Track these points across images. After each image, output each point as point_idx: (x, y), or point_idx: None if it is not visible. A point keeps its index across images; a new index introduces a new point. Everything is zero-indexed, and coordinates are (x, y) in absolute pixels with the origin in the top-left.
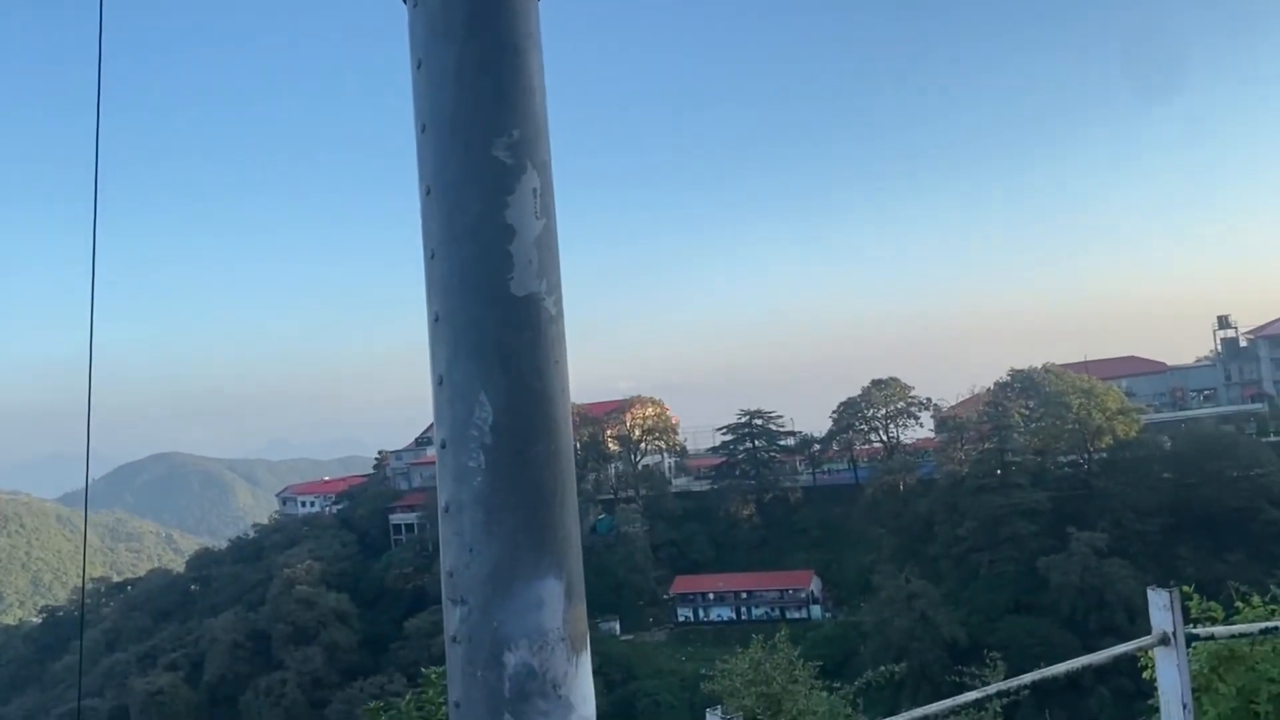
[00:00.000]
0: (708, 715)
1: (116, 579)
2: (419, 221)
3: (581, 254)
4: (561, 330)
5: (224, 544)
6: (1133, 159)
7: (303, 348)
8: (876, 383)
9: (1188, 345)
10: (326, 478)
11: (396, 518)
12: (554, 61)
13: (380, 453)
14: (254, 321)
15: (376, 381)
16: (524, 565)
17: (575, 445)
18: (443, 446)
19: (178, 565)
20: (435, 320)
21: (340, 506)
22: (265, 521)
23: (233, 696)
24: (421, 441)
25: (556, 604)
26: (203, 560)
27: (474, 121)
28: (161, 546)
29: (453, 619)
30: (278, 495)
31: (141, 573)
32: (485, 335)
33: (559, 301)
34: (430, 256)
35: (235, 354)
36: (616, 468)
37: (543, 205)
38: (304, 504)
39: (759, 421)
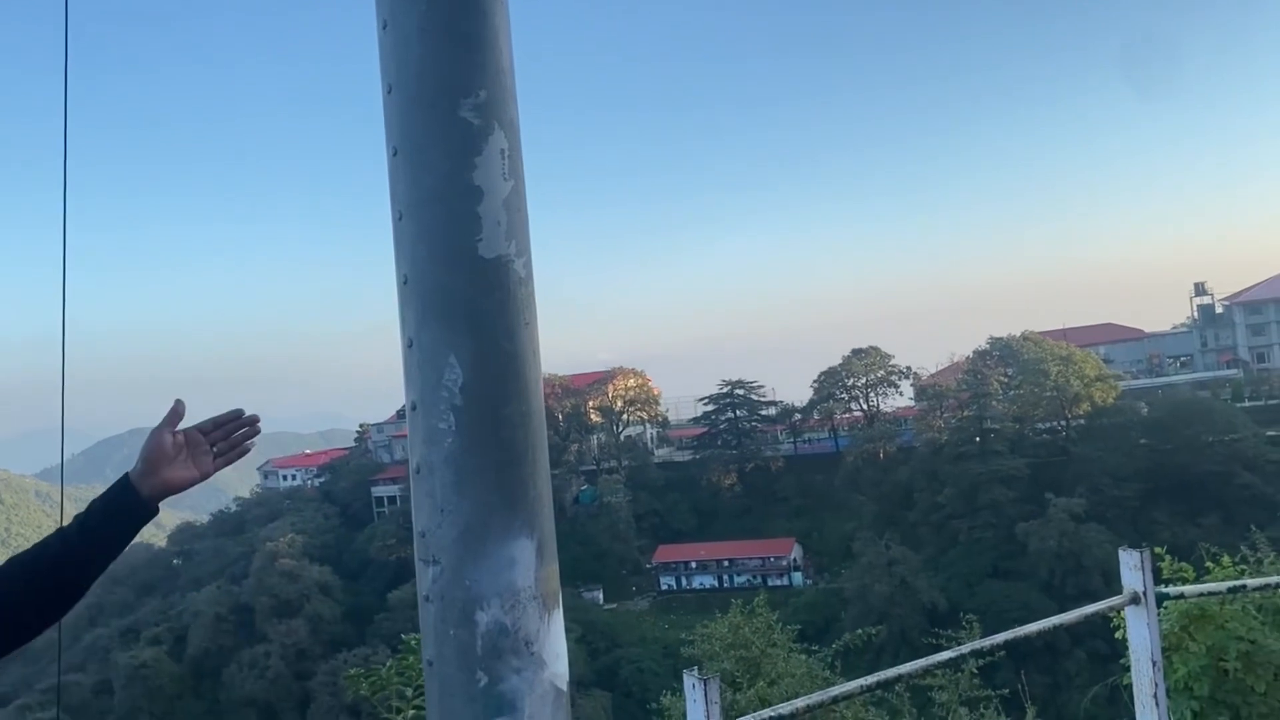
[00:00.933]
0: (685, 676)
1: None
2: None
3: (562, 224)
4: (531, 292)
5: (205, 518)
6: (1110, 128)
7: (283, 320)
8: (857, 352)
9: (1165, 312)
10: (308, 451)
11: (379, 490)
12: (526, 22)
13: (361, 425)
14: (233, 294)
15: (356, 354)
16: (496, 525)
17: (558, 416)
18: (413, 409)
19: (159, 540)
20: (404, 283)
21: (322, 480)
22: (247, 495)
23: (216, 669)
24: (402, 414)
25: (528, 563)
26: (184, 534)
27: (440, 82)
28: None
29: (425, 579)
30: (259, 469)
31: None
32: (454, 297)
33: (528, 264)
34: (398, 218)
35: (215, 327)
36: (599, 439)
37: (511, 167)
38: (285, 477)
39: (740, 392)
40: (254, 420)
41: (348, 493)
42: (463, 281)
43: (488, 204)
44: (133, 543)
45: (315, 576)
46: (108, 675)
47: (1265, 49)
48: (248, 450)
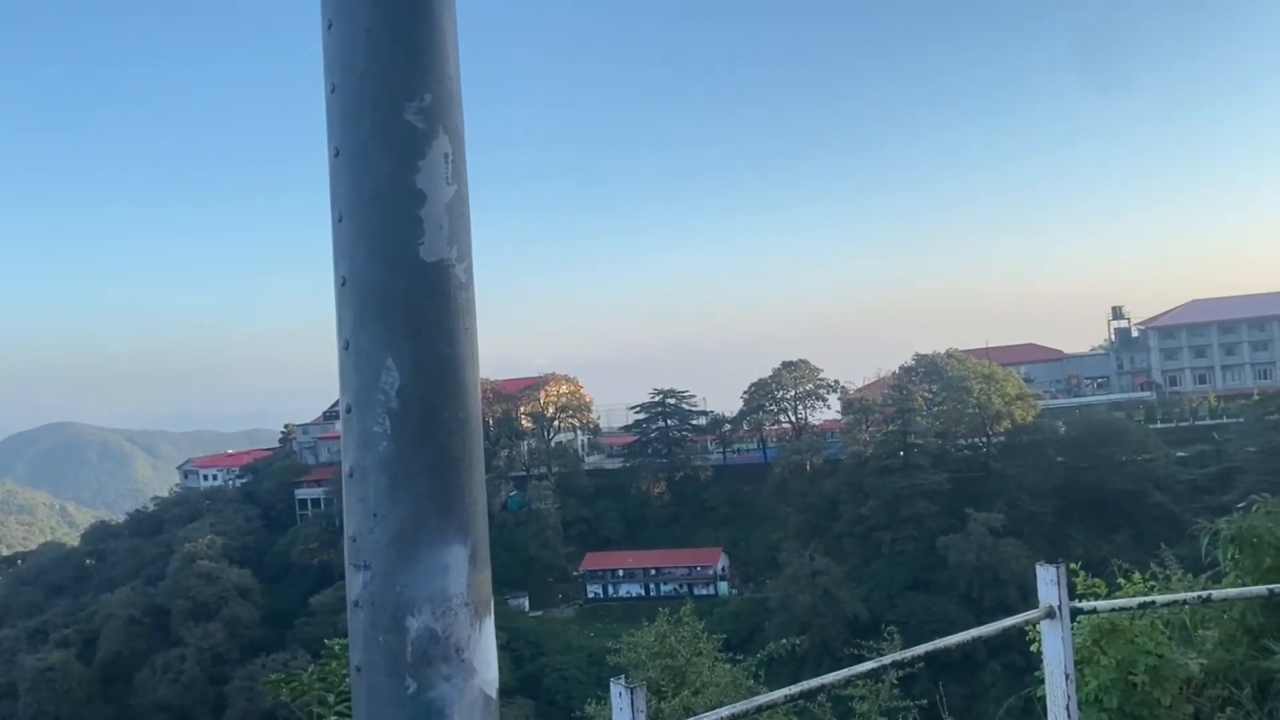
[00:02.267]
0: (611, 684)
1: (5, 552)
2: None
3: (501, 227)
4: (471, 297)
5: (122, 517)
6: (1036, 153)
7: (208, 316)
8: (787, 364)
9: (1084, 334)
10: (230, 450)
11: (303, 492)
12: (471, 21)
13: (287, 426)
14: (156, 287)
15: (284, 353)
16: (429, 530)
17: (488, 421)
18: (348, 411)
19: (72, 539)
20: (342, 284)
21: (244, 480)
22: (165, 494)
23: (128, 673)
24: (330, 415)
25: (461, 569)
26: (99, 534)
27: (385, 84)
28: (55, 519)
29: (355, 584)
30: (179, 468)
31: (33, 546)
32: (393, 300)
33: (469, 269)
34: (338, 219)
35: (137, 321)
36: (529, 445)
37: (454, 171)
38: (206, 477)
39: (672, 401)
40: None
41: (271, 494)
42: (402, 284)
43: (430, 207)
44: (44, 540)
45: (234, 579)
46: (13, 678)
47: (1194, 84)
48: None
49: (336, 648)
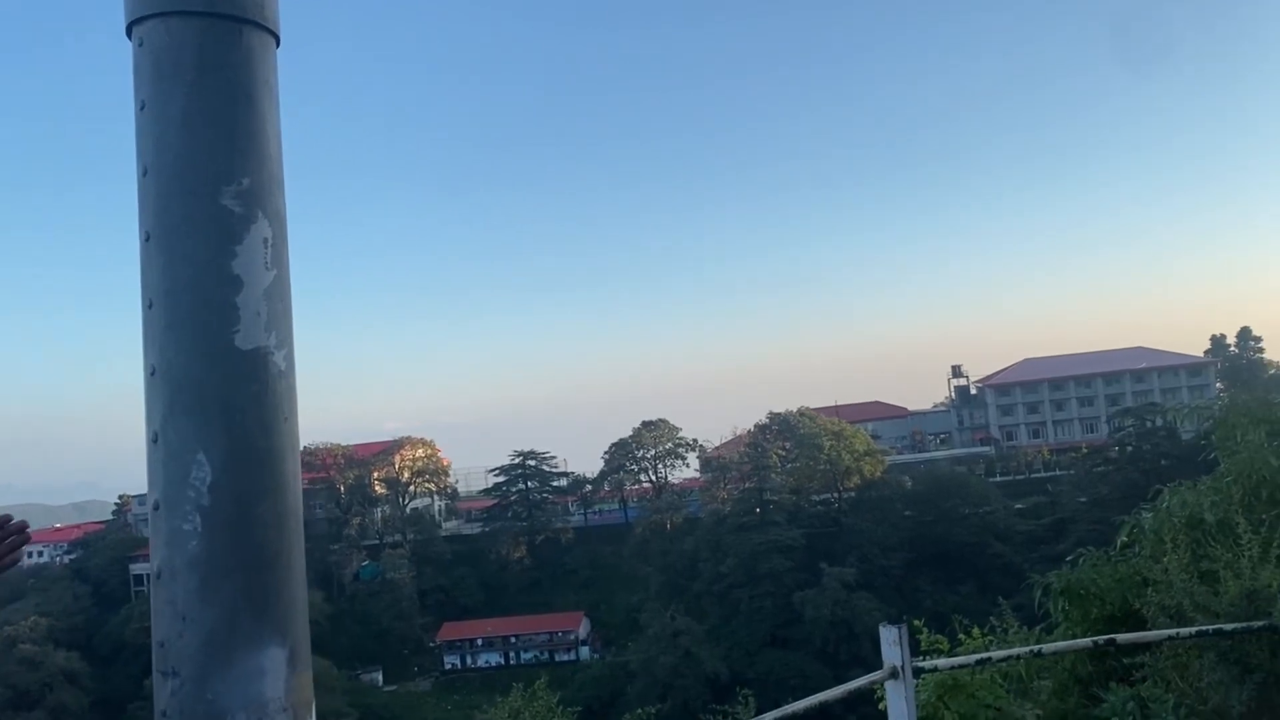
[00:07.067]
0: None
1: None
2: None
3: (348, 281)
4: (292, 385)
5: None
6: (878, 224)
7: (30, 380)
8: (647, 424)
9: (927, 391)
10: (59, 525)
11: (138, 567)
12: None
13: (121, 497)
14: None
15: (117, 419)
16: (242, 633)
17: (339, 489)
18: (155, 509)
19: None
20: (151, 374)
21: (74, 556)
22: None
23: None
24: None
25: (278, 672)
26: None
27: (200, 167)
28: None
29: (163, 693)
30: None
31: None
32: (206, 390)
33: (290, 355)
34: (148, 306)
35: None
36: (383, 512)
37: (275, 256)
38: (31, 554)
39: (532, 462)
40: (22, 527)
41: (102, 570)
42: (217, 374)
43: (247, 294)
44: None
45: (60, 663)
46: None
47: (1025, 163)
48: (18, 560)
49: None
